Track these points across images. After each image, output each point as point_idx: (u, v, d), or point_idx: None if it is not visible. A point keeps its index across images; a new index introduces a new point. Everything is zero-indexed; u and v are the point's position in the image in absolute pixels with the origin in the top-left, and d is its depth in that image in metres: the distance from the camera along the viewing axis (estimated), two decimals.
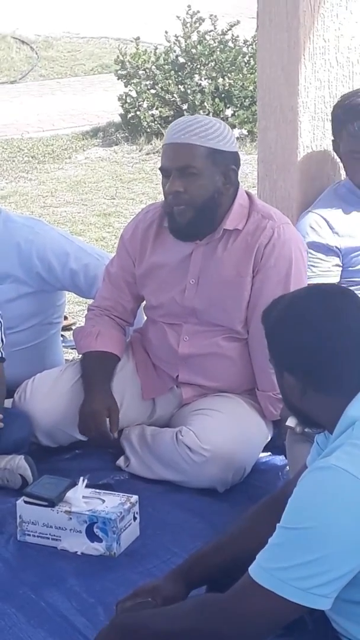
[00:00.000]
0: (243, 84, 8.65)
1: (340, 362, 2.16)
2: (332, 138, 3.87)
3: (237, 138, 8.00)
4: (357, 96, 3.77)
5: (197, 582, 2.49)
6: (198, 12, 8.97)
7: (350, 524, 2.02)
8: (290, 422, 3.02)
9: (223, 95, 8.67)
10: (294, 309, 2.21)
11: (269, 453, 3.56)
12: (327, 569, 2.02)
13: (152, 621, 2.24)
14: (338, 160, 3.95)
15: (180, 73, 8.82)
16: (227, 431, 3.35)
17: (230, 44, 9.01)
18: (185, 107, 8.58)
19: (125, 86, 9.01)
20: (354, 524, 2.02)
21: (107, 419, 3.43)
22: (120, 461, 3.55)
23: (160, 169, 3.39)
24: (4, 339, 3.47)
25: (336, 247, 3.76)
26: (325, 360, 2.16)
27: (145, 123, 8.70)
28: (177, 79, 8.77)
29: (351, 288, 2.47)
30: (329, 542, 2.02)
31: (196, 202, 3.32)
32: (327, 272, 3.74)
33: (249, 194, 3.48)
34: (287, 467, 3.27)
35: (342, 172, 3.98)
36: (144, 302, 3.67)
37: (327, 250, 3.75)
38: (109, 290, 3.64)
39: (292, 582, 2.02)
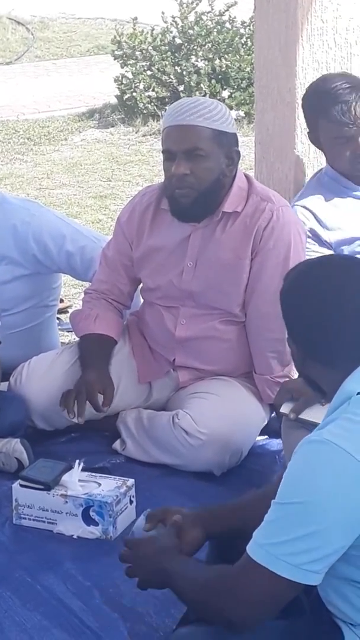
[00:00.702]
0: (240, 65, 8.62)
1: (339, 336, 2.16)
2: (307, 130, 3.76)
3: (234, 120, 7.98)
4: (325, 82, 3.67)
5: (216, 534, 2.49)
6: None
7: (342, 499, 2.02)
8: (285, 408, 3.01)
9: (220, 76, 8.64)
10: (302, 279, 2.24)
11: (266, 436, 3.55)
12: (319, 545, 2.02)
13: (180, 577, 2.26)
14: None
15: (176, 54, 8.79)
16: (223, 414, 3.35)
17: (227, 25, 8.99)
18: (181, 88, 8.56)
19: (122, 67, 8.98)
20: (345, 499, 2.02)
21: (101, 395, 3.40)
22: (117, 444, 3.54)
23: (163, 151, 3.36)
24: None
25: (326, 242, 3.68)
26: (323, 334, 2.17)
27: (142, 104, 8.67)
28: (173, 60, 8.74)
29: None
30: (320, 518, 2.02)
31: (201, 185, 3.30)
32: None
33: (247, 177, 3.46)
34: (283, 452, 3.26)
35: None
36: (141, 285, 3.65)
37: (317, 240, 3.68)
38: (106, 274, 3.63)
39: (284, 557, 2.03)
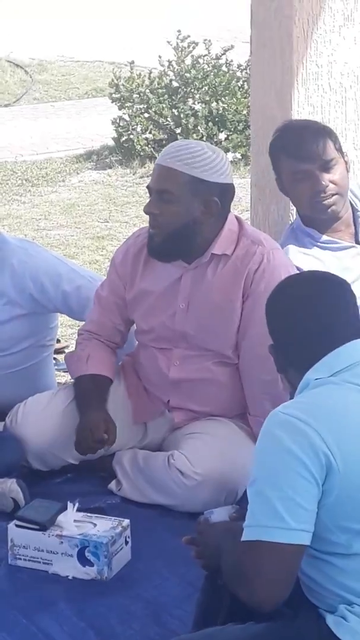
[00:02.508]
0: (237, 107, 8.68)
1: (307, 345, 2.36)
2: (275, 177, 3.70)
3: (230, 162, 8.02)
4: (289, 124, 3.68)
5: None
6: (188, 36, 9.01)
7: (293, 452, 2.16)
8: None
9: (217, 119, 8.69)
10: (278, 292, 2.49)
11: None
12: (291, 501, 2.15)
13: (223, 559, 2.35)
14: None
15: (173, 97, 8.85)
16: (218, 455, 3.35)
17: (224, 68, 9.05)
18: (178, 131, 8.61)
19: (119, 110, 9.04)
20: (297, 452, 2.16)
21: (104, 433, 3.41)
22: (112, 485, 3.54)
23: (147, 186, 3.42)
24: None
25: None
26: (293, 345, 2.40)
27: (139, 146, 8.73)
28: (170, 103, 8.80)
29: None
30: (280, 476, 2.17)
31: (169, 227, 3.33)
32: None
33: (238, 219, 3.48)
34: None
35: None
36: (135, 327, 3.66)
37: None
38: (99, 313, 3.64)
39: (271, 523, 2.15)
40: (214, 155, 3.33)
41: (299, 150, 3.55)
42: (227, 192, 3.37)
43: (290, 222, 3.97)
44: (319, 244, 3.65)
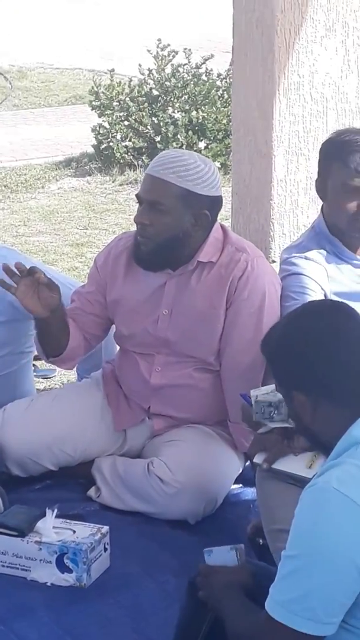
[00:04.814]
0: (216, 117, 8.71)
1: (343, 373, 2.18)
2: (317, 177, 3.55)
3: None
4: (350, 133, 3.50)
5: None
6: (168, 45, 9.03)
7: (348, 551, 2.03)
8: (258, 458, 3.01)
9: (196, 128, 8.72)
10: (295, 326, 2.26)
11: (241, 485, 3.55)
12: (332, 596, 2.04)
13: (229, 618, 2.33)
14: (312, 194, 3.94)
15: (153, 105, 8.87)
16: (198, 463, 3.35)
17: (204, 77, 9.08)
18: (158, 139, 8.63)
19: (99, 117, 9.06)
20: (351, 551, 2.03)
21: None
22: (91, 492, 3.54)
23: (136, 195, 3.41)
24: None
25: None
26: (330, 371, 2.18)
27: (119, 154, 8.74)
28: (150, 111, 8.82)
29: None
30: (329, 569, 2.04)
31: (158, 237, 3.32)
32: None
33: (223, 227, 3.49)
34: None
35: (316, 206, 3.94)
36: (114, 331, 3.65)
37: (317, 287, 3.47)
38: (76, 304, 3.58)
39: (301, 612, 2.05)
40: (206, 168, 3.32)
41: (358, 165, 3.41)
42: (217, 204, 3.38)
43: (265, 229, 3.99)
44: (339, 255, 3.53)
